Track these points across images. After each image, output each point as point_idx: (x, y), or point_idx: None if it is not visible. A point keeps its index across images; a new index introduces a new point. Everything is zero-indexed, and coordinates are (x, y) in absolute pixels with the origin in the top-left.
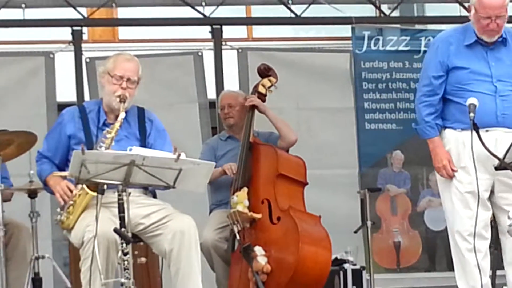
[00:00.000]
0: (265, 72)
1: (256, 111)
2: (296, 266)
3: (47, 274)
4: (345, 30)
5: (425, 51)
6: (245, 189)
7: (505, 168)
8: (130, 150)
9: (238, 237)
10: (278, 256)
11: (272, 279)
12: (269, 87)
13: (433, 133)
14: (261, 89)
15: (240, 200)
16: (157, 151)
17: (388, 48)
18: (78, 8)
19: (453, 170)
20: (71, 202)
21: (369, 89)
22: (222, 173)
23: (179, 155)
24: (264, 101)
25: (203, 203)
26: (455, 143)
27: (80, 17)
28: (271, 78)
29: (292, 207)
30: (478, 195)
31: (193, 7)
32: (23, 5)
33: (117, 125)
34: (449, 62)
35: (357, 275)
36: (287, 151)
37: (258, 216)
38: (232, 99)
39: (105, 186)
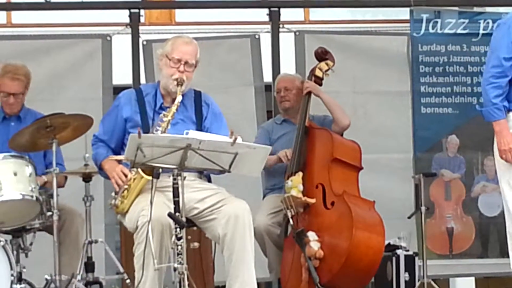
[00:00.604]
0: (322, 55)
1: (312, 95)
2: (349, 252)
3: (99, 258)
4: (402, 13)
5: (484, 34)
6: (300, 174)
7: None
8: (187, 133)
9: (291, 222)
10: (331, 242)
11: (324, 265)
12: (326, 70)
13: (500, 115)
14: (318, 73)
15: (295, 184)
16: (213, 135)
17: (446, 31)
18: None
19: None
20: (125, 186)
21: (426, 73)
22: (278, 161)
23: (236, 138)
24: (321, 84)
25: (257, 187)
26: None
27: None
28: (328, 61)
29: (347, 192)
30: None
31: None
32: None
33: (174, 108)
34: None
35: (409, 261)
36: (342, 134)
37: (312, 201)
38: (289, 83)
39: (160, 170)
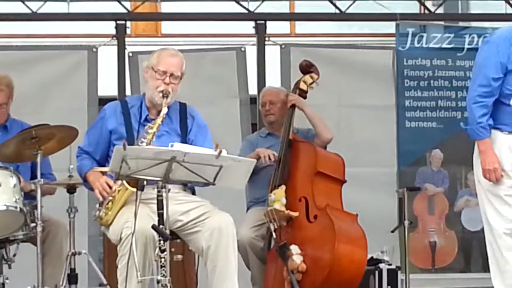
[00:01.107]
0: (307, 68)
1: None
2: (331, 265)
3: (82, 270)
4: (388, 27)
5: (469, 49)
6: (283, 187)
7: None
8: (172, 146)
9: (274, 235)
10: (314, 255)
11: (307, 278)
12: (311, 83)
13: (485, 134)
14: (303, 86)
15: (278, 198)
16: (198, 148)
17: (431, 45)
18: (122, 2)
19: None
20: (110, 198)
21: (410, 87)
22: (256, 158)
23: (220, 151)
24: (305, 97)
25: (241, 200)
26: (499, 144)
27: (124, 11)
28: (313, 74)
29: (329, 205)
30: None
31: (237, 2)
32: None
33: (159, 120)
34: (509, 64)
35: (392, 275)
36: (325, 148)
37: (295, 214)
38: (274, 96)
39: (145, 182)
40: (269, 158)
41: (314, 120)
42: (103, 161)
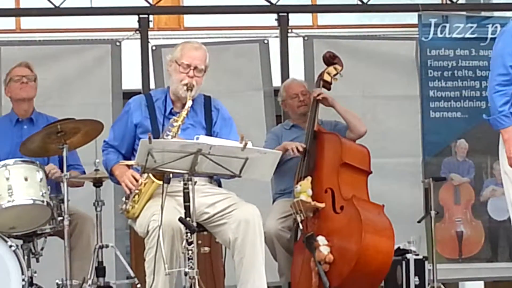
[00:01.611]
0: (330, 60)
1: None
2: (358, 256)
3: (110, 263)
4: (409, 17)
5: (492, 39)
6: (309, 178)
7: None
8: (197, 139)
9: (301, 226)
10: (341, 246)
11: (334, 269)
12: (335, 75)
13: (508, 122)
14: (327, 77)
15: (304, 189)
16: (224, 140)
17: (454, 35)
18: None
19: None
20: (136, 191)
21: (434, 77)
22: (283, 151)
23: (246, 144)
24: (329, 89)
25: (267, 192)
26: None
27: (146, 4)
28: (337, 66)
29: (356, 196)
30: None
31: None
32: None
33: (184, 113)
34: None
35: (419, 265)
36: (355, 141)
37: (322, 205)
38: (303, 87)
39: (171, 175)
40: (298, 150)
41: (346, 115)
42: (128, 155)
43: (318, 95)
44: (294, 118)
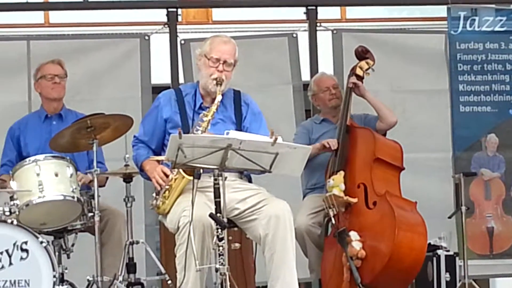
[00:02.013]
0: (362, 54)
1: (353, 94)
2: (391, 253)
3: (140, 259)
4: (438, 11)
5: None
6: (342, 173)
7: None
8: (227, 134)
9: (333, 221)
10: (373, 242)
11: (366, 265)
12: (367, 69)
13: None
14: (359, 72)
15: (336, 183)
16: (254, 135)
17: (483, 28)
18: None
19: None
20: (167, 187)
21: (464, 71)
22: (321, 149)
23: (276, 138)
24: (361, 83)
25: (297, 187)
26: None
27: None
28: (369, 60)
29: (389, 192)
30: None
31: None
32: None
33: (214, 108)
34: None
35: (450, 261)
36: (385, 134)
37: (354, 200)
38: (334, 80)
39: (201, 171)
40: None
41: (377, 104)
42: (158, 150)
43: (351, 82)
44: (324, 112)
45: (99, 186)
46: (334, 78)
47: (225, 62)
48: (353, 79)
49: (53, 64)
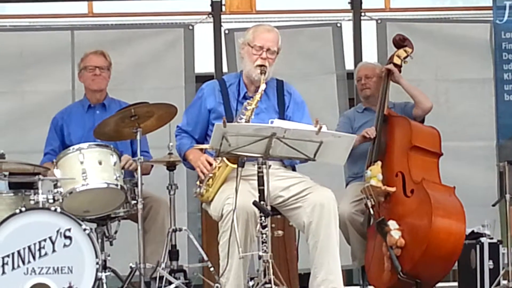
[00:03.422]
0: (400, 42)
1: (390, 82)
2: (429, 239)
3: (182, 246)
4: (483, 0)
5: None
6: (379, 163)
7: None
8: (271, 122)
9: (372, 211)
10: (412, 230)
11: (406, 253)
12: (405, 57)
13: None
14: (397, 60)
15: (374, 174)
16: (298, 124)
17: None
18: None
19: None
20: (210, 175)
21: (509, 60)
22: (362, 140)
23: (321, 127)
24: (399, 72)
25: (339, 175)
26: None
27: None
28: (407, 48)
29: (425, 179)
30: None
31: None
32: None
33: (257, 96)
34: None
35: (494, 249)
36: (423, 120)
37: (392, 189)
38: (369, 70)
39: (245, 159)
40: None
41: (412, 90)
42: (201, 140)
43: (385, 69)
44: (365, 101)
45: (144, 174)
46: (373, 68)
47: (268, 49)
48: (389, 66)
49: (96, 55)
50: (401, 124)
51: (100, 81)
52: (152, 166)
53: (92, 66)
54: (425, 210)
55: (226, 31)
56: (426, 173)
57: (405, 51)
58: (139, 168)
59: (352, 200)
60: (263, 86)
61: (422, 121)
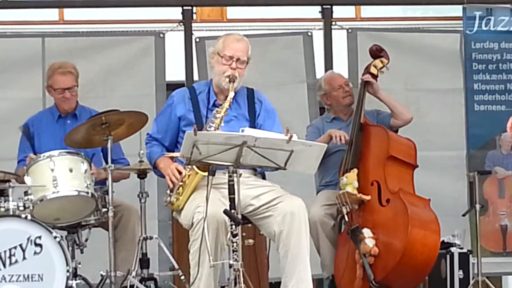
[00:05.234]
0: (377, 53)
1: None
2: (404, 250)
3: (153, 254)
4: (453, 10)
5: None
6: (355, 170)
7: None
8: (242, 131)
9: (346, 218)
10: (386, 239)
11: (379, 262)
12: (381, 68)
13: None
14: (373, 70)
15: (350, 181)
16: (269, 132)
17: (499, 28)
18: None
19: None
20: (180, 183)
21: (479, 70)
22: (328, 140)
23: (291, 136)
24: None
25: (310, 184)
26: None
27: None
28: (383, 59)
29: (402, 190)
30: None
31: None
32: None
33: (226, 104)
34: None
35: (464, 258)
36: (397, 131)
37: (367, 198)
38: (344, 79)
39: (215, 167)
40: (340, 139)
41: (391, 102)
42: (172, 148)
43: (364, 79)
44: (337, 110)
45: (124, 178)
46: (344, 76)
47: (238, 59)
48: (367, 77)
49: (64, 76)
50: (378, 134)
51: (71, 102)
52: (130, 173)
53: (61, 89)
54: (401, 220)
55: (197, 39)
56: (402, 183)
57: (382, 61)
58: (109, 176)
59: (323, 203)
60: (231, 94)
61: (396, 131)
